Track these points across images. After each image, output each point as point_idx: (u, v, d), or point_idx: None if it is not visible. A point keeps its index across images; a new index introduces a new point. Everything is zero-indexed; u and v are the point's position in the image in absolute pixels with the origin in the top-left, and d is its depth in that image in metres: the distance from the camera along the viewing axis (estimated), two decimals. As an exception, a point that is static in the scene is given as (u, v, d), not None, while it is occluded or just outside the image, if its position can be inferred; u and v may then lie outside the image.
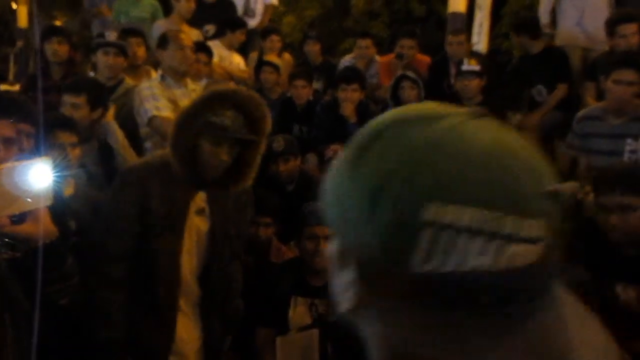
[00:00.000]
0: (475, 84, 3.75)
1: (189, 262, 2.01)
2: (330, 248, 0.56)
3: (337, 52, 10.29)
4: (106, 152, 2.77)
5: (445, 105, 0.56)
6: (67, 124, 2.36)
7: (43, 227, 1.18)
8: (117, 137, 2.76)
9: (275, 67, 4.39)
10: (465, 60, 3.79)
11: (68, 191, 2.33)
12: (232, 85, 2.03)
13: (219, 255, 2.08)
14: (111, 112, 2.84)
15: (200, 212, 2.01)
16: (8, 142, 1.70)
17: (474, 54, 4.23)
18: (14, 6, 12.18)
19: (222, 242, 2.07)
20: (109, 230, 1.98)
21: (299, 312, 2.38)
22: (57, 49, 3.38)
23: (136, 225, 1.95)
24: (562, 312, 0.51)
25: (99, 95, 2.85)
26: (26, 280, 1.20)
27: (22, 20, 9.14)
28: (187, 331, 2.03)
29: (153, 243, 1.96)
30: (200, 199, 2.02)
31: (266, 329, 2.40)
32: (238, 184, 1.99)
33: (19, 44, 9.59)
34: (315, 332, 2.36)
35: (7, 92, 2.22)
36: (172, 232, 1.95)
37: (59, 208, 2.12)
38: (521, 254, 0.46)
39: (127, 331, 1.94)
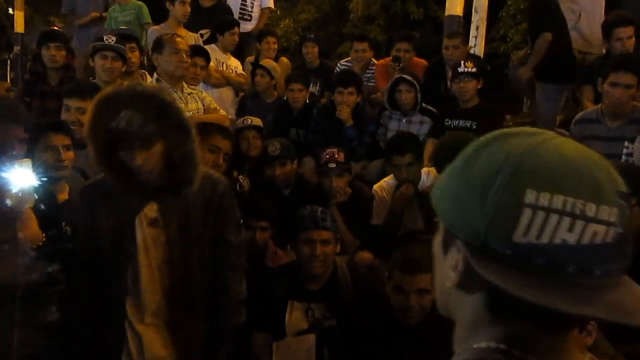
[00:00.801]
0: (471, 85, 3.74)
1: (149, 275, 1.90)
2: (435, 239, 0.72)
3: (334, 56, 10.29)
4: None
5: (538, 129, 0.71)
6: (60, 127, 2.34)
7: (29, 232, 1.18)
8: None
9: (268, 71, 4.38)
10: (462, 63, 3.77)
11: (62, 196, 2.32)
12: (126, 84, 1.89)
13: (184, 266, 1.94)
14: None
15: (153, 223, 1.89)
16: None
17: (470, 57, 4.22)
18: (11, 11, 12.18)
19: (184, 251, 1.92)
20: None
21: (295, 316, 2.37)
22: (54, 55, 3.38)
23: (89, 242, 1.91)
24: (634, 290, 0.63)
25: None
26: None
27: (19, 25, 9.12)
28: (157, 347, 1.92)
29: (106, 259, 1.90)
30: (150, 210, 1.89)
31: (262, 334, 2.39)
32: (185, 185, 1.86)
33: (16, 49, 9.56)
34: (311, 337, 2.35)
35: (8, 99, 2.20)
36: (121, 247, 1.88)
37: (52, 213, 2.12)
38: (600, 234, 0.60)
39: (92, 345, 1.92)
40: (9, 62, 12.84)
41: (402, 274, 2.04)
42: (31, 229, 1.22)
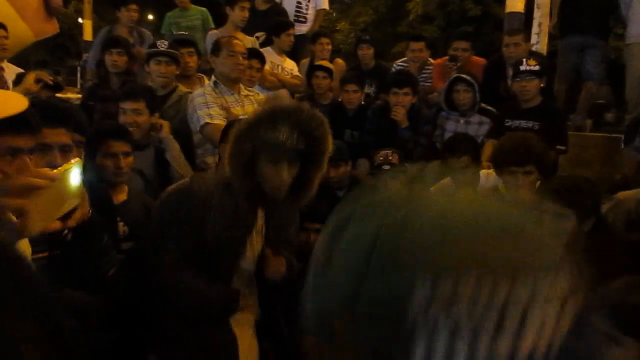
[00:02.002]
0: (534, 84, 3.60)
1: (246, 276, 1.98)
2: None
3: (390, 57, 10.20)
4: (162, 159, 2.84)
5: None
6: (120, 134, 2.42)
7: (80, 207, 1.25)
8: (174, 152, 2.81)
9: (329, 72, 4.37)
10: (524, 61, 3.63)
11: (121, 197, 2.39)
12: (291, 100, 1.94)
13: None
14: (167, 127, 2.88)
15: (258, 231, 1.96)
16: (64, 149, 1.76)
17: (532, 54, 4.07)
18: (80, 20, 12.81)
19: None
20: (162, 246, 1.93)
21: None
22: (116, 60, 3.50)
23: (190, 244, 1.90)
24: None
25: (154, 101, 2.94)
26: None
27: (87, 33, 9.54)
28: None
29: (210, 266, 1.92)
30: (260, 217, 1.96)
31: (314, 337, 2.37)
32: (297, 201, 1.92)
33: (85, 56, 10.02)
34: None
35: (62, 101, 2.29)
36: (235, 255, 1.92)
37: (109, 213, 2.19)
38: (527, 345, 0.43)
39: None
40: (78, 68, 13.51)
41: None
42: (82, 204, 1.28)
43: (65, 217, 1.26)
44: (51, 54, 16.61)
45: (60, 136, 1.73)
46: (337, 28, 14.08)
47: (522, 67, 3.60)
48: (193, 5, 5.30)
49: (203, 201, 1.88)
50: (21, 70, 4.18)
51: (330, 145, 1.88)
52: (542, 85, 3.63)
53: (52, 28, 6.18)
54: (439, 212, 0.48)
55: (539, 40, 5.24)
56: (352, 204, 0.56)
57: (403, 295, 0.45)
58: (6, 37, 3.93)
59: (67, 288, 1.38)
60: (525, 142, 2.55)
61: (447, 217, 0.47)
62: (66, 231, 1.41)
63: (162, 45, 3.36)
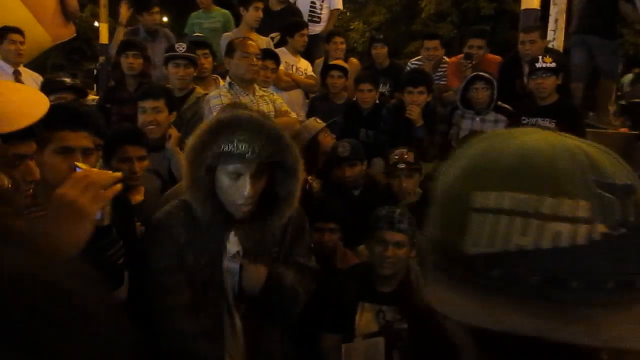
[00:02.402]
0: (550, 82, 3.57)
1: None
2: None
3: (404, 55, 10.17)
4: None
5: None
6: (136, 138, 2.45)
7: None
8: (177, 164, 2.79)
9: (344, 71, 4.37)
10: (540, 58, 3.60)
11: (137, 197, 2.42)
12: (246, 110, 1.67)
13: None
14: (174, 139, 2.86)
15: (234, 255, 1.77)
16: (86, 152, 1.78)
17: (549, 51, 4.03)
18: (96, 24, 12.96)
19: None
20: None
21: (365, 318, 2.34)
22: (132, 62, 3.53)
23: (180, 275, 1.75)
24: None
25: (172, 100, 2.98)
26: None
27: (103, 37, 9.64)
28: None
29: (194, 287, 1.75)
30: (231, 242, 1.77)
31: (332, 335, 2.37)
32: (275, 217, 1.73)
33: (101, 59, 10.13)
34: (380, 340, 2.31)
35: (83, 104, 2.32)
36: (212, 285, 1.75)
37: (127, 214, 2.21)
38: (565, 234, 0.48)
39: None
40: (95, 71, 13.65)
41: None
42: None
43: None
44: (68, 58, 16.82)
45: (82, 139, 1.75)
46: (351, 27, 14.06)
47: (538, 65, 3.57)
48: (216, 7, 5.33)
49: (172, 238, 1.74)
50: (38, 76, 4.24)
51: (297, 154, 1.70)
52: (558, 82, 3.60)
53: (69, 32, 6.27)
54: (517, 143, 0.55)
55: (555, 37, 5.17)
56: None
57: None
58: (22, 43, 3.99)
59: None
60: None
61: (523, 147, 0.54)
62: None
63: (180, 48, 3.39)
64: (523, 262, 0.49)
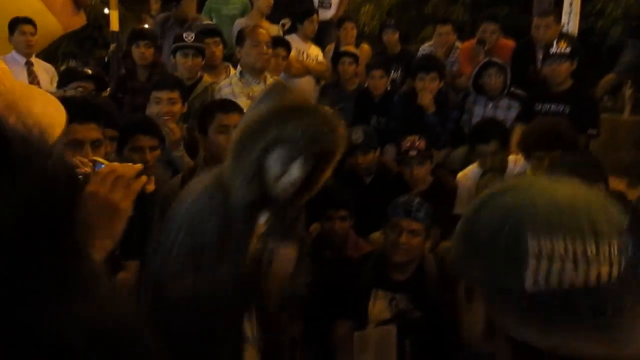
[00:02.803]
0: (565, 67, 3.51)
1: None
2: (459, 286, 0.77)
3: (416, 40, 10.07)
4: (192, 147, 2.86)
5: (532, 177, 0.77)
6: (149, 128, 2.46)
7: None
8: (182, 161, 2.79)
9: (354, 57, 4.35)
10: (555, 43, 3.55)
11: (149, 187, 2.44)
12: (300, 97, 1.64)
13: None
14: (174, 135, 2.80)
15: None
16: (95, 144, 1.80)
17: (563, 36, 3.96)
18: (106, 11, 12.93)
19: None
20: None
21: (378, 306, 2.35)
22: (143, 52, 3.53)
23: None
24: None
25: (184, 91, 2.98)
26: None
27: (114, 24, 9.63)
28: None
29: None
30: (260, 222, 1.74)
31: (345, 322, 2.39)
32: (302, 198, 1.68)
33: (112, 46, 10.13)
34: (392, 328, 2.31)
35: (94, 96, 2.33)
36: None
37: (144, 205, 2.23)
38: (605, 273, 0.62)
39: None
40: (106, 59, 13.66)
41: None
42: None
43: None
44: (79, 46, 16.82)
45: (90, 131, 1.77)
46: (362, 12, 13.90)
47: (553, 50, 3.52)
48: None
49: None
50: (50, 66, 4.24)
51: (342, 143, 1.60)
52: (573, 68, 3.54)
53: (79, 20, 6.29)
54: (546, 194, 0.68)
55: (570, 20, 5.08)
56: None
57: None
58: (33, 34, 3.99)
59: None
60: (553, 127, 2.51)
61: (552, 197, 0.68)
62: None
63: (189, 37, 3.37)
64: (575, 297, 0.62)
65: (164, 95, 2.82)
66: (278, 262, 1.76)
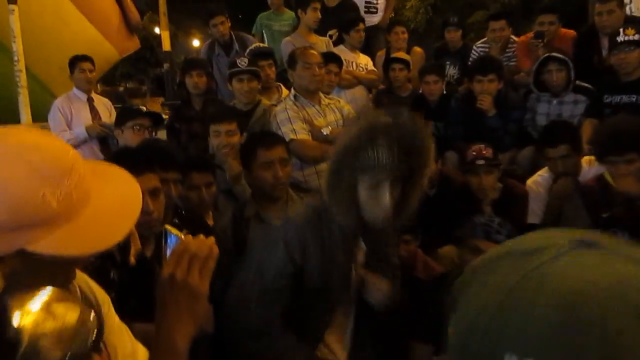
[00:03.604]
0: (635, 55, 3.28)
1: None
2: None
3: (468, 27, 9.78)
4: None
5: (561, 233, 0.51)
6: (203, 165, 2.48)
7: None
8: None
9: (406, 64, 4.27)
10: (621, 30, 3.32)
11: (209, 222, 2.46)
12: (385, 115, 1.59)
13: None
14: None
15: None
16: (154, 193, 1.80)
17: (630, 21, 3.71)
18: (157, 31, 13.31)
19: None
20: (263, 291, 1.77)
21: None
22: (196, 82, 3.58)
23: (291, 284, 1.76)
24: None
25: (241, 121, 2.99)
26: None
27: (166, 44, 9.90)
28: None
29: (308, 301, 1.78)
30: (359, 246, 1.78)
31: (424, 345, 2.32)
32: (394, 222, 1.70)
33: (166, 66, 10.41)
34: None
35: (157, 142, 2.36)
36: (332, 293, 1.78)
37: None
38: None
39: None
40: (161, 76, 14.05)
41: None
42: None
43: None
44: (134, 66, 17.44)
45: (148, 182, 1.76)
46: (406, 6, 13.70)
47: (620, 38, 3.30)
48: (286, 9, 5.18)
49: (301, 242, 1.74)
50: (107, 101, 4.36)
51: (431, 159, 1.66)
52: (644, 55, 3.31)
53: (134, 44, 6.49)
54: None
55: (633, 1, 4.77)
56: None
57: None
58: (92, 71, 4.13)
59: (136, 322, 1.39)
60: (622, 128, 2.31)
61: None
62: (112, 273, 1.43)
63: (242, 62, 3.39)
64: None
65: (222, 128, 2.84)
66: (372, 293, 1.78)
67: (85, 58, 4.09)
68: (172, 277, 0.94)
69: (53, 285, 0.97)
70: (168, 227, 1.09)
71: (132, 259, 1.51)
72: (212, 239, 0.99)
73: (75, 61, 4.07)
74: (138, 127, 2.80)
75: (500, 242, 2.15)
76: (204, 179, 2.42)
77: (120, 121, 2.90)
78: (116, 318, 1.15)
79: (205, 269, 0.95)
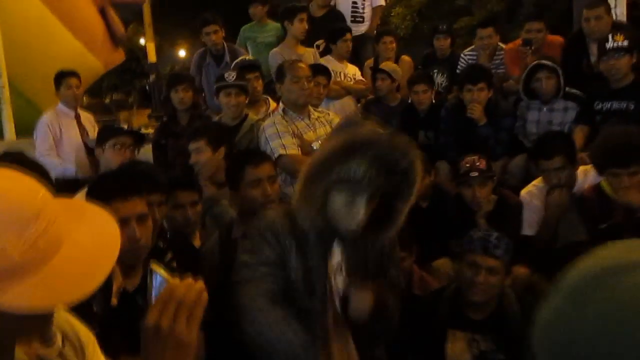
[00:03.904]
0: (624, 62, 3.27)
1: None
2: None
3: (455, 33, 9.81)
4: None
5: None
6: (186, 183, 2.41)
7: None
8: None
9: (388, 74, 4.25)
10: (610, 37, 3.31)
11: (196, 243, 2.39)
12: (370, 129, 1.64)
13: None
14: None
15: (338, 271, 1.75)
16: (142, 218, 1.73)
17: (618, 28, 3.69)
18: (142, 42, 13.22)
19: None
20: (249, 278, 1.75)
21: (458, 347, 2.21)
22: (182, 97, 3.51)
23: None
24: None
25: (218, 136, 2.90)
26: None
27: (151, 55, 9.84)
28: None
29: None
30: (337, 254, 1.75)
31: (415, 360, 2.26)
32: (379, 234, 1.70)
33: (152, 77, 10.35)
34: (474, 371, 2.18)
35: (138, 165, 2.27)
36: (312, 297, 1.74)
37: (194, 261, 2.17)
38: None
39: None
40: (147, 87, 13.96)
41: None
42: None
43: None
44: (120, 78, 17.30)
45: (135, 207, 1.71)
46: (392, 14, 13.73)
47: (609, 45, 3.28)
48: (269, 20, 5.08)
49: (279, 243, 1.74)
50: (90, 116, 4.28)
51: (419, 176, 1.64)
52: (633, 61, 3.30)
53: (119, 57, 6.41)
54: None
55: (617, 4, 4.76)
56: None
57: None
58: (78, 86, 4.04)
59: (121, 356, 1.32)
60: (627, 139, 2.29)
61: None
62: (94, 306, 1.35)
63: (230, 77, 3.32)
64: None
65: (191, 146, 2.80)
66: (354, 303, 1.72)
67: (71, 74, 4.01)
68: (157, 327, 0.87)
69: (28, 337, 0.90)
70: (155, 266, 1.02)
71: (114, 300, 1.44)
72: (201, 284, 0.92)
73: (61, 77, 3.99)
74: (119, 146, 2.72)
75: (498, 257, 2.09)
76: (189, 197, 2.34)
77: (101, 140, 2.83)
78: (102, 358, 1.08)
79: (193, 317, 0.88)
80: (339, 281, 1.74)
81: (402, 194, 1.64)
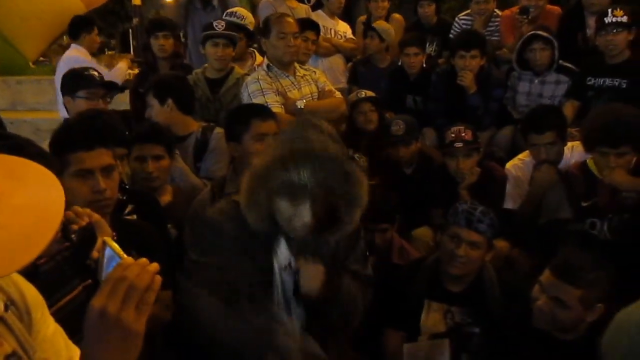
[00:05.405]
0: (622, 37, 3.18)
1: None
2: None
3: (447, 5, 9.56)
4: (201, 150, 2.70)
5: None
6: (151, 136, 2.28)
7: None
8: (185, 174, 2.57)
9: (377, 33, 4.12)
10: (609, 11, 3.21)
11: (165, 198, 2.28)
12: (315, 139, 1.63)
13: None
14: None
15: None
16: (107, 170, 1.66)
17: (618, 1, 3.58)
18: (129, -16, 12.72)
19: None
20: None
21: (432, 318, 2.19)
22: (162, 44, 3.35)
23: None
24: None
25: (165, 88, 2.71)
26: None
27: (136, -2, 9.54)
28: None
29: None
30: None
31: (395, 332, 2.24)
32: (332, 234, 1.69)
33: (135, 20, 10.04)
34: (445, 341, 2.17)
35: (104, 115, 2.07)
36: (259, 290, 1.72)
37: (157, 218, 2.09)
38: None
39: None
40: (130, 31, 13.51)
41: (557, 280, 1.81)
42: None
43: None
44: (103, 20, 16.68)
45: (100, 158, 1.63)
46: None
47: (608, 19, 3.18)
48: None
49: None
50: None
51: (364, 196, 1.65)
52: (630, 38, 3.21)
53: (100, -4, 6.16)
54: None
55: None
56: None
57: None
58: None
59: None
60: (620, 119, 2.23)
61: None
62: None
63: (220, 26, 3.14)
64: None
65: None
66: (303, 279, 1.71)
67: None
68: (103, 312, 0.78)
69: None
70: (107, 239, 0.92)
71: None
72: (155, 266, 0.84)
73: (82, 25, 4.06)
74: (91, 96, 2.56)
75: (481, 232, 2.06)
76: (151, 150, 2.21)
77: (71, 88, 2.63)
78: (51, 324, 0.99)
79: (144, 303, 0.80)
80: (286, 280, 1.72)
81: (350, 199, 1.64)
